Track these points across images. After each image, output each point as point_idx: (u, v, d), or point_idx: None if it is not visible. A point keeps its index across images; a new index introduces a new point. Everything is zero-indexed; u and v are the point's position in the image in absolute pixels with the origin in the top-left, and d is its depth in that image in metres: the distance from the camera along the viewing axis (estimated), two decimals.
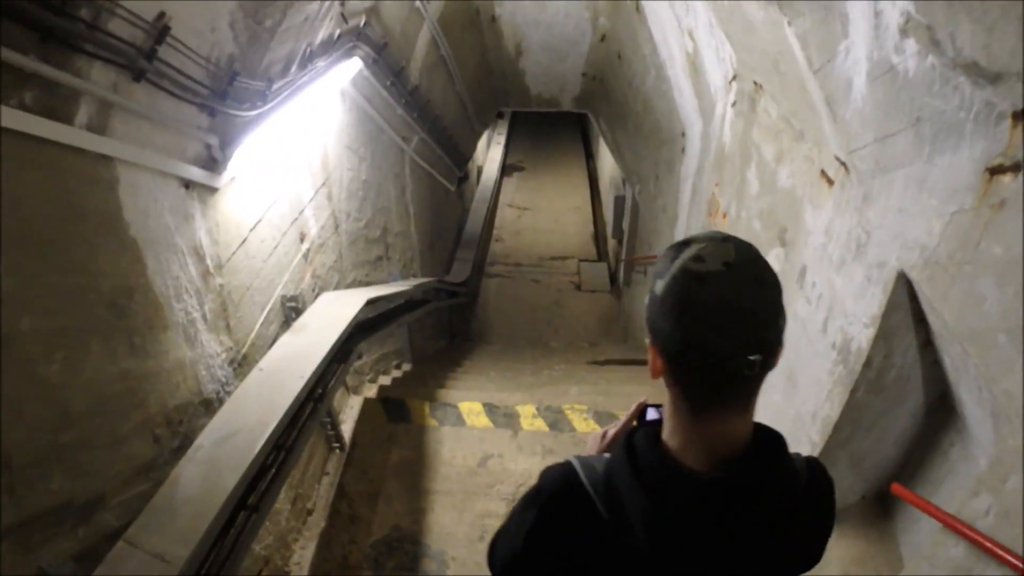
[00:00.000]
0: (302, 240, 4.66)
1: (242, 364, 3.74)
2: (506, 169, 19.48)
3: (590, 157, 20.83)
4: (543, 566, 1.33)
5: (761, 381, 1.19)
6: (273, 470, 3.28)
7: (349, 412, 5.44)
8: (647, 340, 1.22)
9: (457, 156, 10.69)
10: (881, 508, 3.06)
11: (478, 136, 12.71)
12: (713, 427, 1.20)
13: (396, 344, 7.22)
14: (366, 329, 4.74)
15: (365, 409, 5.45)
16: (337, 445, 5.07)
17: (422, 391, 5.93)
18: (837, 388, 2.85)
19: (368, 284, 6.17)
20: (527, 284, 13.87)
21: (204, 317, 3.43)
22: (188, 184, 3.30)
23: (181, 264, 3.23)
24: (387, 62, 5.99)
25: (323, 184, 5.09)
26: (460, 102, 9.51)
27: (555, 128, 23.52)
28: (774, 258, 3.76)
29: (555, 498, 1.34)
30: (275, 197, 4.21)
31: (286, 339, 3.84)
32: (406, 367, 7.32)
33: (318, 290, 4.88)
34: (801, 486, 1.29)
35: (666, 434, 1.27)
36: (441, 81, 8.20)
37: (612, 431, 1.67)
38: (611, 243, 14.46)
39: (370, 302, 4.43)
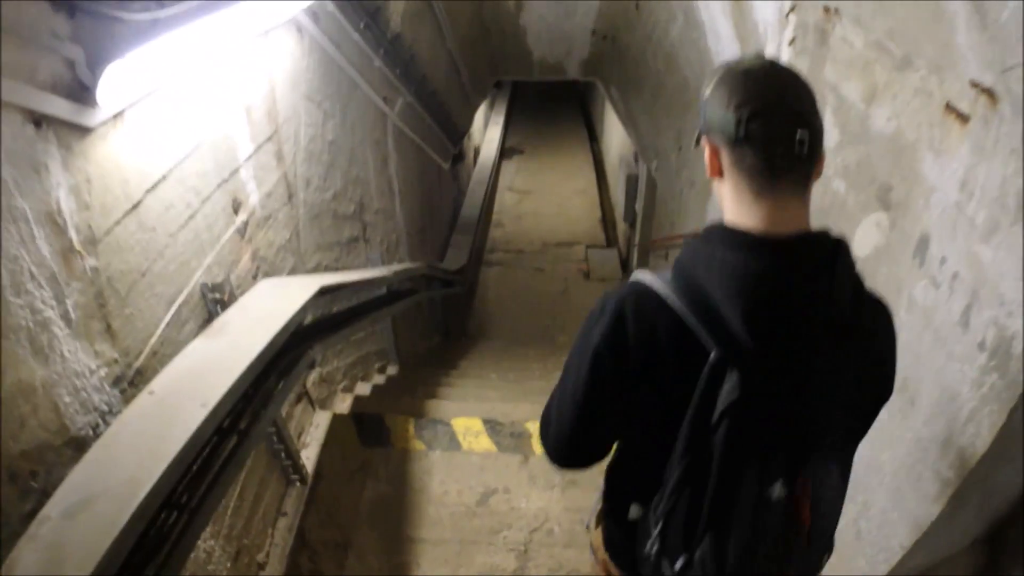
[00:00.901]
0: (236, 209, 3.47)
1: (135, 383, 2.56)
2: (505, 152, 18.31)
3: (594, 139, 19.67)
4: (621, 382, 1.37)
5: (810, 173, 1.28)
6: (167, 546, 2.12)
7: (314, 433, 4.26)
8: (703, 143, 1.38)
9: (450, 129, 9.48)
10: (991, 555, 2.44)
11: (474, 108, 11.38)
12: (775, 209, 1.26)
13: (378, 343, 6.02)
14: (324, 328, 3.54)
15: (333, 429, 4.27)
16: (296, 477, 3.90)
17: (407, 403, 4.75)
18: (988, 406, 2.01)
19: (340, 270, 5.00)
20: (530, 273, 12.68)
21: (66, 317, 2.24)
22: (39, 120, 2.11)
23: (24, 238, 2.04)
24: None
25: (269, 138, 3.89)
26: (452, 64, 8.26)
27: (556, 110, 22.55)
28: (873, 227, 2.80)
29: (629, 299, 1.37)
30: (191, 147, 3.02)
31: (196, 347, 2.64)
32: (391, 370, 6.14)
33: (263, 277, 3.70)
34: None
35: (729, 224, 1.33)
36: (428, 34, 6.98)
37: None
38: (621, 227, 13.30)
39: (325, 291, 3.21)
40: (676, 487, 1.34)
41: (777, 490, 1.28)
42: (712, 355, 1.27)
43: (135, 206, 2.59)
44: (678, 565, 1.37)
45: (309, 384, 4.43)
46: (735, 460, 1.27)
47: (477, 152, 15.42)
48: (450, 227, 11.13)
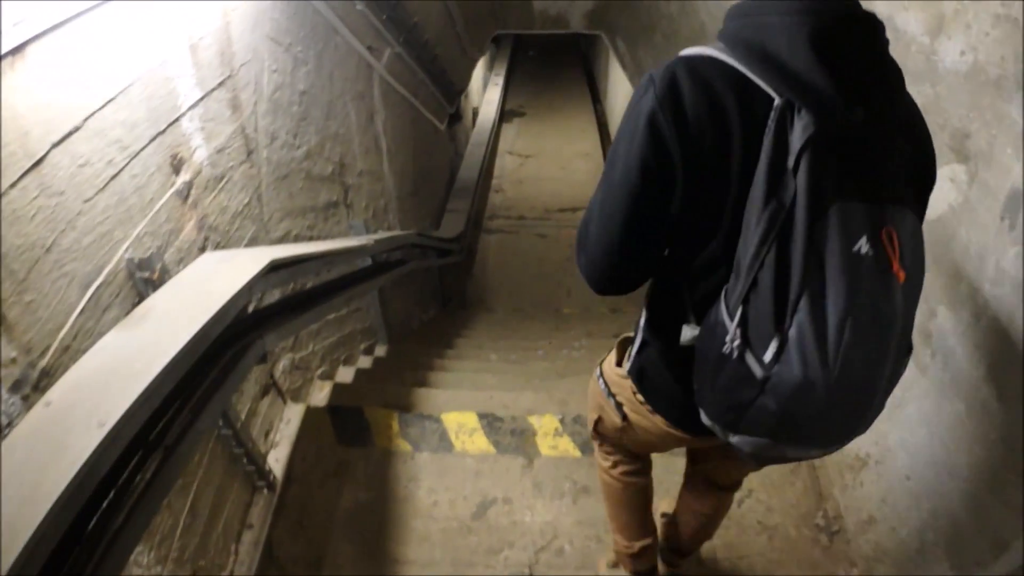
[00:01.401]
0: (177, 168, 2.85)
1: (41, 387, 1.97)
2: (505, 115, 17.62)
3: (597, 100, 19.00)
4: (680, 151, 1.28)
5: None
6: None
7: (284, 430, 3.68)
8: None
9: (446, 86, 8.81)
10: None
11: (471, 63, 10.60)
12: None
13: (365, 320, 5.42)
14: (280, 312, 2.92)
15: (307, 425, 3.69)
16: (263, 483, 3.32)
17: (392, 393, 4.14)
18: None
19: (314, 239, 4.40)
20: (532, 239, 12.00)
21: None
22: None
23: None
24: None
25: (222, 83, 3.27)
26: (446, 10, 7.54)
27: (557, 70, 21.88)
28: (946, 182, 2.45)
29: (680, 63, 1.31)
30: (115, 91, 2.40)
31: (108, 341, 2.02)
32: (379, 350, 5.54)
33: (213, 250, 3.11)
34: None
35: None
36: None
37: None
38: None
39: (276, 267, 2.57)
40: (757, 251, 1.19)
41: (864, 245, 1.16)
42: (778, 100, 1.20)
43: (36, 163, 2.00)
44: (769, 353, 1.21)
45: (278, 373, 3.84)
46: (819, 205, 1.15)
47: (476, 114, 14.72)
48: (447, 191, 10.46)
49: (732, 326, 1.26)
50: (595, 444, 2.32)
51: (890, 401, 1.36)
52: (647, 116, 1.27)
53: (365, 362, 5.10)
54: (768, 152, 1.19)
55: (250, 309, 2.75)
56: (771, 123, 1.20)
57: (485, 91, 16.67)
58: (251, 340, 2.55)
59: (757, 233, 1.19)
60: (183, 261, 2.82)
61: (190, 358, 2.03)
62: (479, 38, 9.48)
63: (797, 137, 1.17)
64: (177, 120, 2.86)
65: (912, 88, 2.59)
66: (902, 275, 1.19)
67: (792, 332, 1.17)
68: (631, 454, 2.25)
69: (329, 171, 4.79)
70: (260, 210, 3.67)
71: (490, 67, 18.28)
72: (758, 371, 1.23)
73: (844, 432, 1.36)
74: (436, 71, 7.97)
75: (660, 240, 1.44)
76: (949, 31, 2.38)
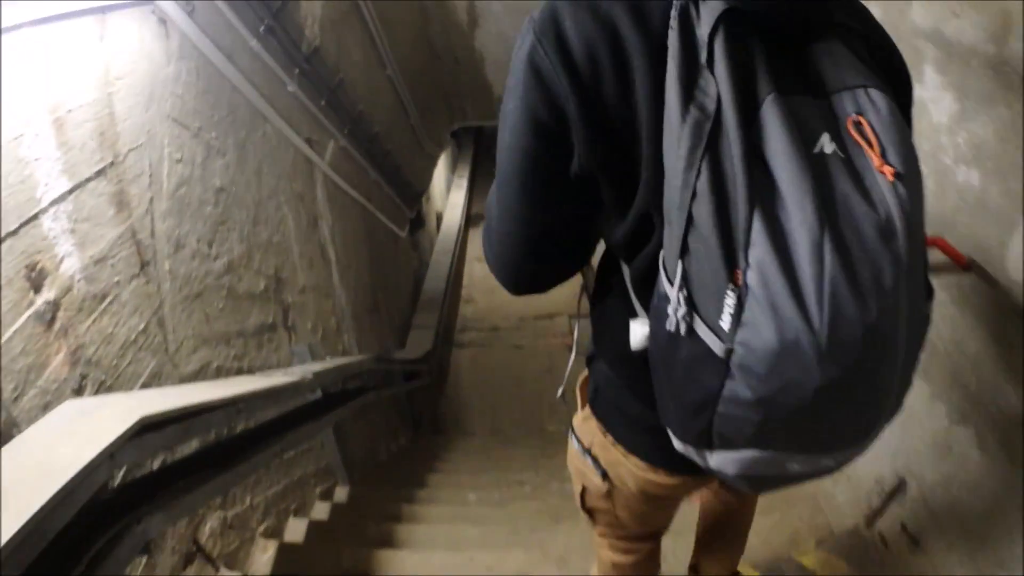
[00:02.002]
0: (36, 283, 2.17)
1: None
2: (472, 219, 17.13)
3: None
4: (576, 99, 1.00)
5: None
6: None
7: None
8: None
9: (403, 187, 8.24)
10: None
11: (431, 161, 10.03)
12: None
13: (320, 459, 4.65)
14: (171, 480, 2.15)
15: None
16: None
17: (351, 556, 3.33)
18: None
19: (244, 371, 3.68)
20: (508, 351, 11.28)
21: None
22: None
23: None
24: None
25: (101, 172, 2.61)
26: (396, 97, 6.98)
27: None
28: None
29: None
30: None
31: None
32: (340, 494, 4.72)
33: (93, 391, 2.39)
34: None
35: None
36: (360, 52, 5.75)
37: None
38: None
39: (152, 426, 1.81)
40: (685, 179, 0.90)
41: (826, 143, 0.89)
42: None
43: None
44: (726, 314, 0.89)
45: (204, 536, 3.07)
46: (751, 100, 0.88)
47: (440, 219, 14.18)
48: (412, 304, 9.77)
49: (674, 291, 0.97)
50: (590, 527, 1.93)
51: None
52: (526, 57, 1.03)
53: (322, 510, 4.29)
54: (676, 53, 0.94)
55: (116, 483, 1.99)
56: (673, 20, 0.96)
57: (449, 194, 16.23)
58: (120, 530, 1.77)
59: (682, 156, 0.91)
60: (49, 406, 2.13)
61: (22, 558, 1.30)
62: (437, 131, 8.91)
63: (706, 23, 0.92)
64: (35, 218, 2.18)
65: (979, 117, 2.02)
66: (890, 172, 0.89)
67: (751, 276, 0.86)
68: (633, 537, 1.88)
69: (261, 287, 4.09)
70: (163, 338, 2.95)
71: (452, 168, 17.92)
72: (716, 345, 0.92)
73: (863, 420, 1.00)
74: (390, 169, 7.41)
75: (574, 209, 1.19)
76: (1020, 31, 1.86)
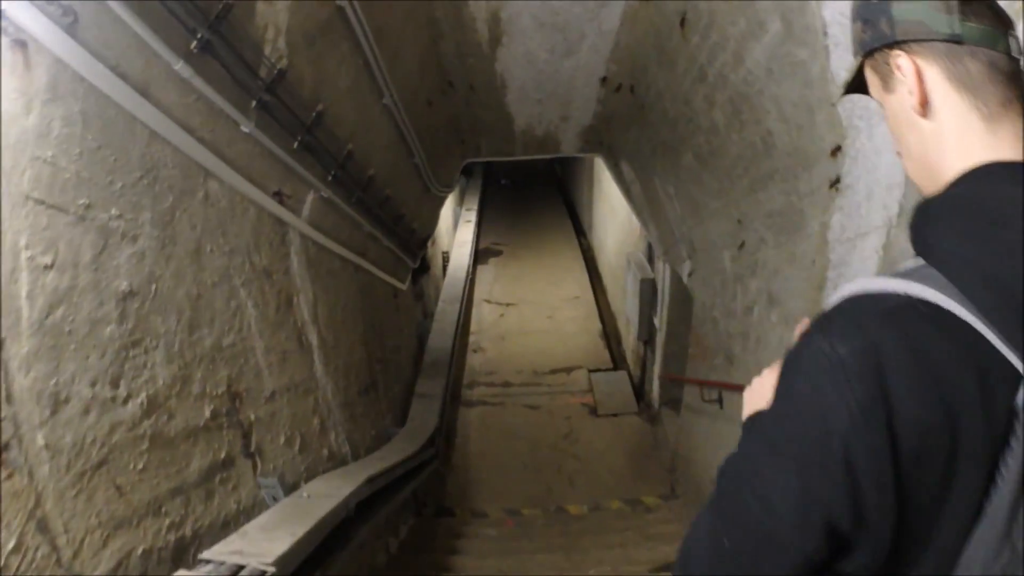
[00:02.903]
0: None
1: None
2: (480, 255, 15.96)
3: (581, 234, 17.39)
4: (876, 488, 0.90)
5: None
6: None
7: None
8: (895, 60, 1.07)
9: (406, 235, 7.03)
10: None
11: (437, 203, 8.76)
12: (1014, 131, 1.00)
13: None
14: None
15: None
16: None
17: None
18: None
19: (188, 538, 2.51)
20: (522, 412, 10.11)
21: None
22: None
23: None
24: None
25: None
26: (397, 133, 5.75)
27: (534, 199, 20.94)
28: None
29: (885, 336, 0.91)
30: None
31: None
32: None
33: None
34: None
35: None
36: (346, 76, 4.46)
37: (771, 370, 1.35)
38: (630, 342, 10.87)
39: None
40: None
41: None
42: None
43: None
44: None
45: None
46: None
47: (446, 259, 12.95)
48: (415, 365, 8.52)
49: None
50: None
51: None
52: (839, 447, 0.90)
53: None
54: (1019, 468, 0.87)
55: None
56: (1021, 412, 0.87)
57: (456, 230, 15.05)
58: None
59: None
60: None
61: None
62: (446, 170, 7.67)
63: None
64: None
65: None
66: None
67: None
68: None
69: (206, 415, 2.87)
70: (51, 546, 1.82)
71: (460, 201, 16.77)
72: None
73: None
74: (390, 217, 6.20)
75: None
76: None
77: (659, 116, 5.98)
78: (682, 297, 8.06)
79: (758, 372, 1.49)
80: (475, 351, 11.79)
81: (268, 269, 3.73)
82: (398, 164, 6.02)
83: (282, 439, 3.73)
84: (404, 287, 7.64)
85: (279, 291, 3.90)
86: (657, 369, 9.12)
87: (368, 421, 5.67)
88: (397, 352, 7.32)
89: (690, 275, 7.05)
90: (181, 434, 2.66)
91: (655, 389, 9.36)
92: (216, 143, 3.03)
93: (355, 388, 5.38)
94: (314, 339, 4.42)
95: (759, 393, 1.35)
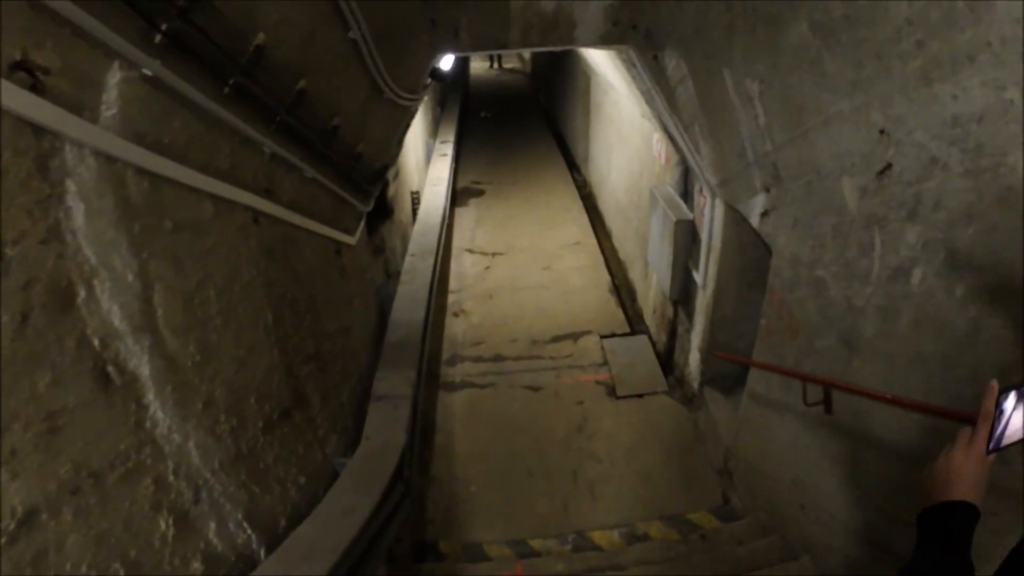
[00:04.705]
0: None
1: None
2: (458, 196, 13.76)
3: (574, 168, 15.36)
4: None
5: None
6: None
7: None
8: None
9: (346, 163, 4.79)
10: None
11: (397, 116, 6.05)
12: None
13: None
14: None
15: None
16: None
17: None
18: None
19: None
20: (520, 395, 8.02)
21: None
22: None
23: None
24: None
25: None
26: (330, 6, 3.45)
27: (518, 132, 18.91)
28: None
29: None
30: None
31: None
32: None
33: None
34: None
35: None
36: None
37: (974, 432, 1.54)
38: (651, 301, 8.77)
39: None
40: None
41: None
42: None
43: None
44: None
45: None
46: None
47: (416, 201, 10.68)
48: (374, 350, 6.27)
49: None
50: None
51: None
52: None
53: None
54: None
55: None
56: None
57: (429, 166, 12.76)
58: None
59: None
60: None
61: None
62: (409, 67, 5.27)
63: None
64: None
65: None
66: None
67: None
68: None
69: None
70: None
71: (433, 133, 14.48)
72: None
73: None
74: (313, 131, 3.97)
75: None
76: None
77: None
78: (740, 245, 5.96)
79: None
80: (456, 315, 9.66)
81: None
82: (320, 38, 3.72)
83: None
84: (353, 240, 5.42)
85: (34, 282, 1.76)
86: (697, 340, 7.03)
87: (290, 465, 3.56)
88: (345, 335, 5.13)
89: (765, 215, 4.95)
90: None
91: (693, 363, 7.27)
92: None
93: (257, 422, 3.25)
94: (143, 364, 2.27)
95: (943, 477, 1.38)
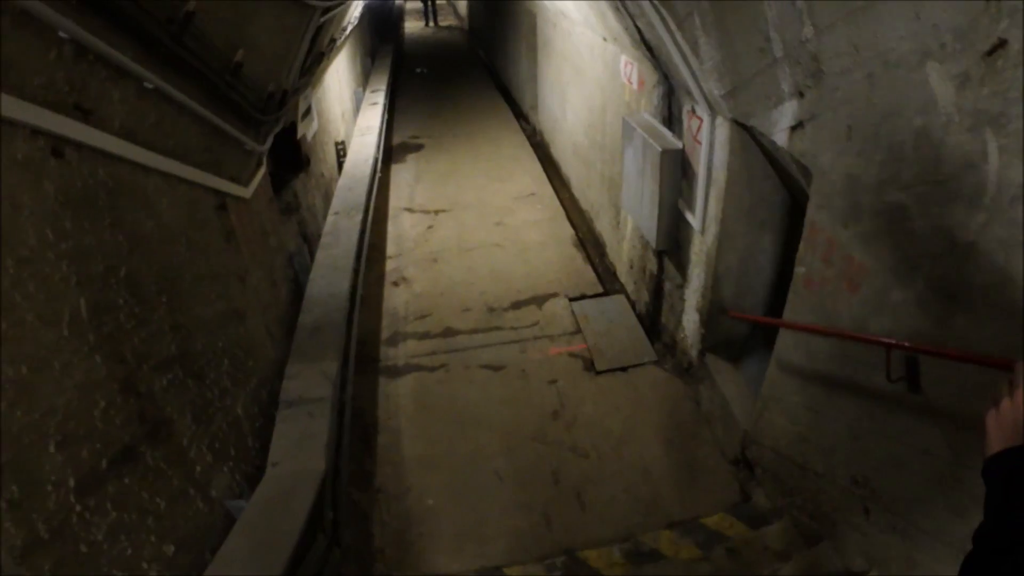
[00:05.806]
0: None
1: None
2: (394, 152, 12.47)
3: (522, 117, 14.59)
4: None
5: None
6: None
7: None
8: None
9: (220, 79, 3.44)
10: None
11: (300, 19, 4.50)
12: None
13: None
14: None
15: None
16: None
17: None
18: None
19: None
20: (479, 377, 6.76)
21: None
22: None
23: None
24: None
25: None
26: None
27: (458, 85, 17.88)
28: None
29: None
30: None
31: None
32: None
33: None
34: None
35: None
36: None
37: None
38: (625, 254, 7.62)
39: None
40: None
41: None
42: None
43: None
44: None
45: None
46: None
47: (342, 153, 9.30)
48: (286, 339, 4.89)
49: None
50: None
51: None
52: None
53: None
54: None
55: None
56: None
57: (357, 115, 11.43)
58: None
59: None
60: None
61: None
62: None
63: None
64: None
65: None
66: None
67: None
68: None
69: None
70: None
71: (363, 83, 13.20)
72: None
73: None
74: (143, 10, 2.63)
75: None
76: None
77: None
78: (750, 177, 4.77)
79: None
80: (396, 284, 8.34)
81: None
82: None
83: None
84: (247, 192, 4.07)
85: None
86: (694, 297, 5.81)
87: (140, 534, 2.29)
88: (235, 323, 3.79)
89: (798, 128, 3.74)
90: None
91: (689, 326, 6.06)
92: None
93: (66, 481, 1.96)
94: None
95: (1012, 419, 1.27)
